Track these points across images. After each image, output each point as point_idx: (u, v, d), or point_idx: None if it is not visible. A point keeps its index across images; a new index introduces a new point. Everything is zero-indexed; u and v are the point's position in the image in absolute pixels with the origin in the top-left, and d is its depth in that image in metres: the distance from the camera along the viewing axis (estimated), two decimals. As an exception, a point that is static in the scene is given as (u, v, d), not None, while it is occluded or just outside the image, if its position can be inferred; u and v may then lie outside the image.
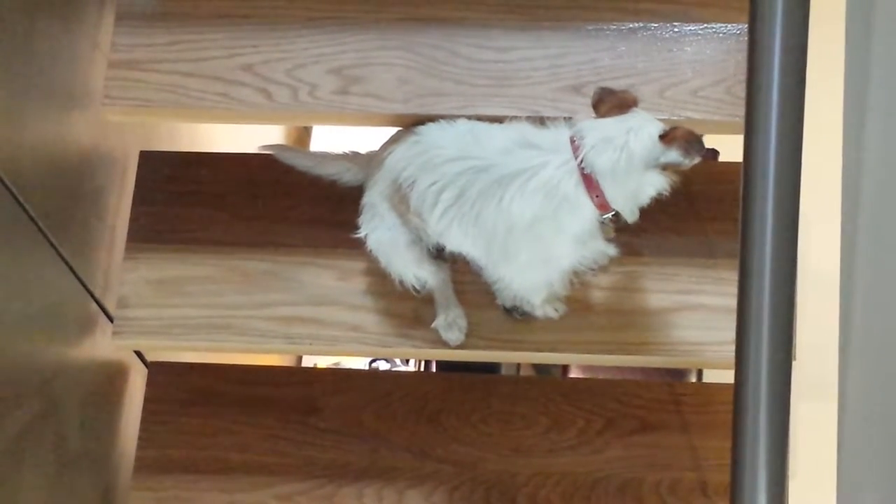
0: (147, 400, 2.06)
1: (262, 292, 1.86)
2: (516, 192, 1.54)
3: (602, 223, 1.60)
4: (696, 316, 1.80)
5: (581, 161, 1.51)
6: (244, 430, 2.02)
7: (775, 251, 1.22)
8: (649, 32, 1.77)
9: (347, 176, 1.80)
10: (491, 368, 2.48)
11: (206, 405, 2.04)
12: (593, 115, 1.56)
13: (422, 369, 3.01)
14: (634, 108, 1.53)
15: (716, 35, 1.76)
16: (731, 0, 1.76)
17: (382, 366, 3.18)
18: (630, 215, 1.57)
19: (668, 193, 1.54)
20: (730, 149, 1.50)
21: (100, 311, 1.90)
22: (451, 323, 1.78)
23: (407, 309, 1.83)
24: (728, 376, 1.32)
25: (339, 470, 1.99)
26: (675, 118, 1.71)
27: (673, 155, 1.49)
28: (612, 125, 1.51)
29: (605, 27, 1.77)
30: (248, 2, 1.80)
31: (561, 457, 1.98)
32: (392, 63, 1.77)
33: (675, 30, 1.77)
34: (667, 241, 1.84)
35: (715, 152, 2.40)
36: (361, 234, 1.74)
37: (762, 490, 1.25)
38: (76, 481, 1.88)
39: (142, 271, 1.88)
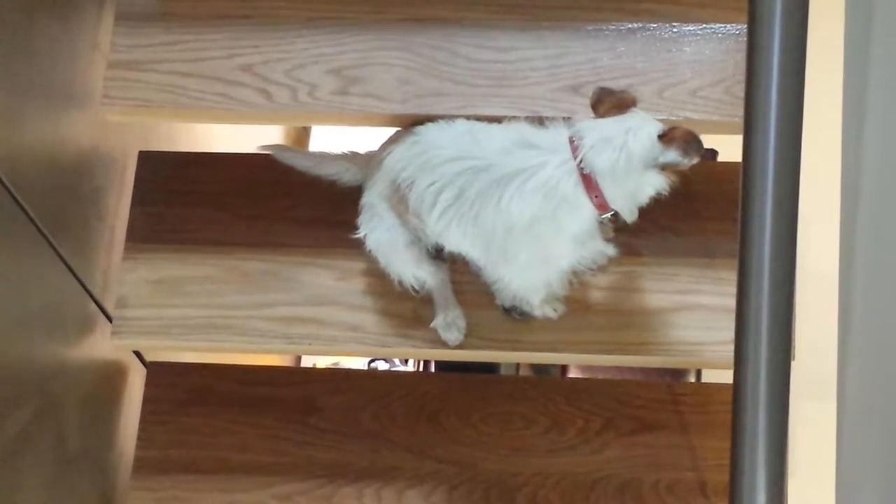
0: (146, 400, 2.06)
1: (262, 292, 1.86)
2: (515, 192, 1.54)
3: (601, 223, 1.60)
4: (695, 316, 1.80)
5: (580, 161, 1.51)
6: (243, 430, 2.02)
7: (774, 251, 1.22)
8: (648, 33, 1.77)
9: (346, 176, 1.80)
10: (490, 368, 2.48)
11: (206, 405, 2.04)
12: (592, 115, 1.56)
13: (421, 369, 3.01)
14: (633, 108, 1.53)
15: (715, 35, 1.76)
16: (730, 0, 1.76)
17: (381, 366, 3.18)
18: (629, 215, 1.57)
19: (667, 193, 1.54)
20: (729, 149, 1.50)
21: (99, 311, 1.90)
22: (450, 323, 1.78)
23: (406, 309, 1.83)
24: (727, 376, 1.32)
25: (338, 470, 1.99)
26: (674, 118, 1.71)
27: (672, 155, 1.49)
28: (611, 125, 1.51)
29: (605, 27, 1.77)
30: (248, 2, 1.80)
31: (560, 457, 1.98)
32: (391, 63, 1.77)
33: (674, 30, 1.77)
34: (666, 241, 1.84)
35: (714, 152, 2.40)
36: (360, 234, 1.74)
37: (761, 490, 1.25)
38: (75, 481, 1.88)
39: (141, 271, 1.88)
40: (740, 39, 1.75)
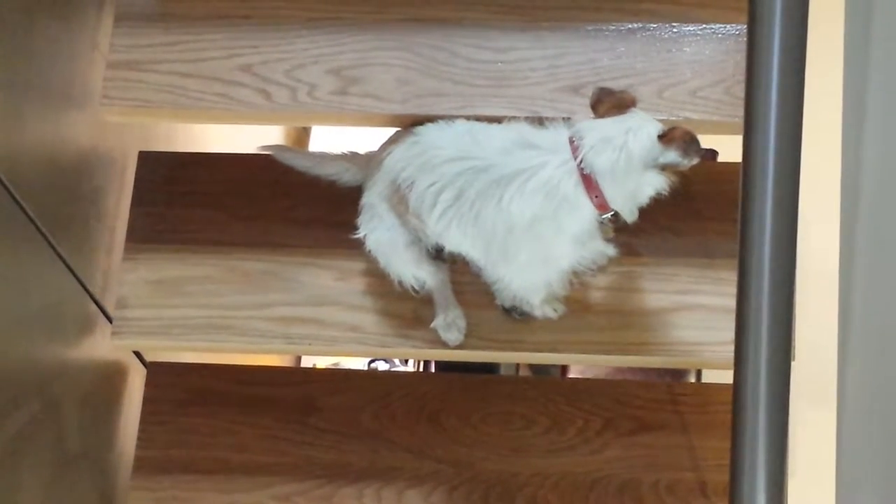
0: (146, 400, 2.06)
1: (262, 292, 1.86)
2: (515, 193, 1.54)
3: (601, 223, 1.60)
4: (695, 316, 1.80)
5: (580, 161, 1.51)
6: (243, 431, 2.02)
7: (774, 251, 1.22)
8: (648, 33, 1.77)
9: (346, 176, 1.80)
10: (490, 369, 2.48)
11: (206, 405, 2.04)
12: (592, 115, 1.56)
13: (421, 369, 3.01)
14: (633, 109, 1.53)
15: (715, 35, 1.76)
16: (730, 0, 1.76)
17: (381, 366, 3.18)
18: (629, 215, 1.57)
19: (666, 194, 1.54)
20: (729, 149, 1.50)
21: (99, 311, 1.90)
22: (450, 323, 1.78)
23: (406, 309, 1.83)
24: (727, 376, 1.32)
25: (338, 470, 1.99)
26: (673, 119, 1.71)
27: (672, 155, 1.49)
28: (611, 125, 1.51)
29: (604, 28, 1.77)
30: (247, 2, 1.80)
31: (560, 457, 1.98)
32: (391, 63, 1.77)
33: (674, 30, 1.77)
34: (666, 241, 1.84)
35: (714, 153, 2.40)
36: (360, 234, 1.74)
37: (761, 490, 1.25)
38: (75, 481, 1.87)
39: (141, 272, 1.88)
40: (740, 39, 1.75)
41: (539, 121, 1.61)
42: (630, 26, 1.77)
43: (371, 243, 1.74)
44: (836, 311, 1.83)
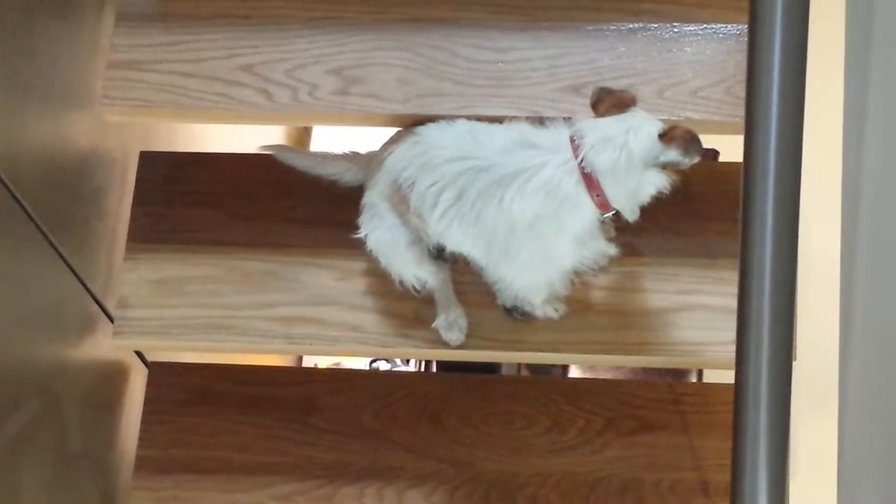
0: (147, 400, 2.06)
1: (263, 292, 1.85)
2: (517, 192, 1.54)
3: (602, 222, 1.60)
4: (696, 316, 1.80)
5: (581, 160, 1.51)
6: (244, 431, 2.02)
7: (775, 251, 1.22)
8: (649, 33, 1.77)
9: (347, 176, 1.80)
10: (491, 368, 2.48)
11: (207, 405, 2.04)
12: (592, 115, 1.56)
13: (422, 369, 3.01)
14: (633, 108, 1.53)
15: (716, 35, 1.76)
16: (730, 0, 1.76)
17: (383, 366, 3.18)
18: (630, 214, 1.57)
19: (667, 192, 1.54)
20: (730, 149, 1.50)
21: (100, 311, 1.90)
22: (451, 323, 1.78)
23: (407, 309, 1.83)
24: (728, 376, 1.32)
25: (339, 470, 1.99)
26: (674, 118, 1.71)
27: (672, 154, 1.49)
28: (612, 124, 1.51)
29: (605, 27, 1.77)
30: (248, 2, 1.80)
31: (561, 457, 1.98)
32: (391, 63, 1.77)
33: (675, 30, 1.77)
34: (667, 241, 1.84)
35: (715, 152, 2.40)
36: (361, 234, 1.74)
37: (763, 490, 1.25)
38: (76, 481, 1.88)
39: (142, 271, 1.88)
40: (741, 39, 1.75)
41: (540, 121, 1.61)
42: (631, 26, 1.77)
43: (372, 243, 1.74)
44: (838, 312, 1.83)
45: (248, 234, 1.89)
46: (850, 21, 1.86)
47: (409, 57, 1.77)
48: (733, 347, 1.27)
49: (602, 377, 2.56)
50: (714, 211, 1.85)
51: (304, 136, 3.45)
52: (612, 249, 1.70)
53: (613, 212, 1.56)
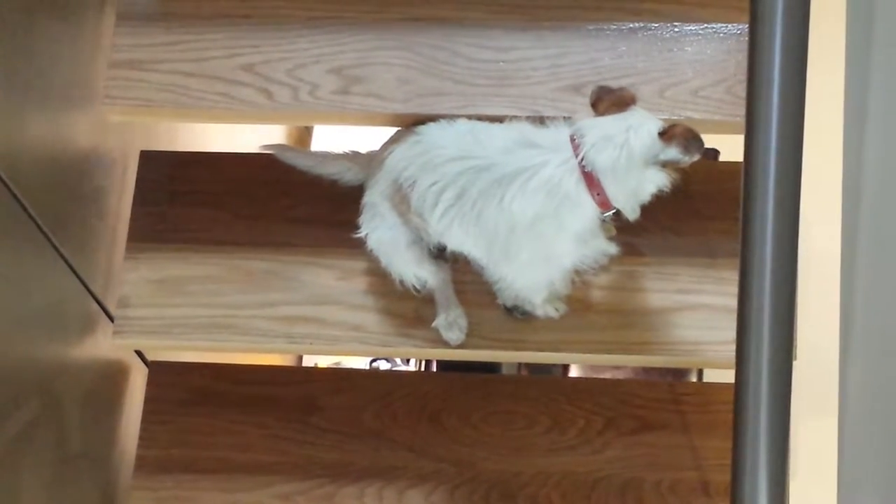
0: (148, 399, 2.06)
1: (263, 292, 1.86)
2: (517, 191, 1.54)
3: (603, 221, 1.60)
4: (696, 315, 1.80)
5: (582, 159, 1.51)
6: (245, 430, 2.02)
7: (776, 251, 1.22)
8: (650, 32, 1.77)
9: (348, 175, 1.80)
10: (492, 368, 2.48)
11: (207, 405, 2.04)
12: (592, 114, 1.56)
13: (422, 369, 3.01)
14: (633, 106, 1.53)
15: (716, 35, 1.76)
16: (731, 0, 1.76)
17: (383, 365, 3.18)
18: (631, 213, 1.57)
19: (668, 191, 1.54)
20: (730, 148, 1.50)
21: (100, 310, 1.90)
22: (451, 322, 1.78)
23: (408, 308, 1.83)
24: (729, 376, 1.32)
25: (339, 469, 1.99)
26: (675, 118, 1.71)
27: (673, 152, 1.49)
28: (612, 123, 1.51)
29: (606, 27, 1.77)
30: (249, 2, 1.80)
31: (561, 456, 1.98)
32: (392, 63, 1.77)
33: (676, 30, 1.77)
34: (667, 240, 1.84)
35: (716, 152, 2.40)
36: (362, 233, 1.74)
37: (763, 490, 1.25)
38: (77, 481, 1.88)
39: (142, 271, 1.88)
40: (742, 39, 1.75)
41: (540, 120, 1.61)
42: (631, 26, 1.77)
43: (373, 242, 1.74)
44: (838, 312, 1.83)
45: (248, 234, 1.89)
46: (850, 20, 1.86)
47: (410, 56, 1.77)
48: (733, 347, 1.27)
49: (603, 377, 2.56)
50: (714, 210, 1.85)
51: (304, 135, 3.46)
52: (613, 248, 1.70)
53: (614, 210, 1.56)
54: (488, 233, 1.59)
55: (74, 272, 1.79)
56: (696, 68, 1.74)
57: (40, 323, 1.72)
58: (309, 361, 3.18)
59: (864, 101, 1.76)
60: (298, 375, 2.13)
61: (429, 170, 1.60)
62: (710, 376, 2.44)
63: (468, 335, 1.79)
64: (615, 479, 1.97)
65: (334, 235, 1.84)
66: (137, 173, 1.97)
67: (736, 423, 1.26)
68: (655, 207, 1.58)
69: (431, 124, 1.66)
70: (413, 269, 1.76)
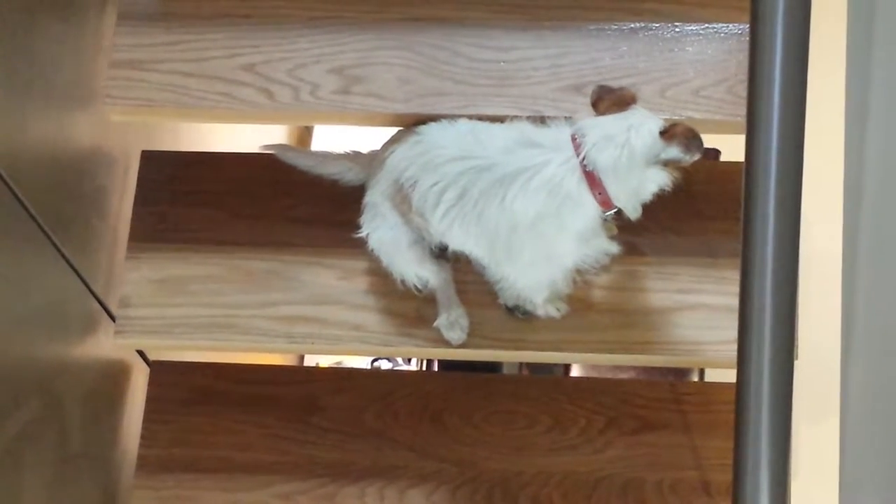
0: (149, 399, 2.06)
1: (264, 292, 1.86)
2: (519, 191, 1.54)
3: (605, 221, 1.60)
4: (697, 315, 1.80)
5: (583, 158, 1.51)
6: (246, 430, 2.02)
7: (777, 251, 1.22)
8: (651, 32, 1.77)
9: (349, 175, 1.80)
10: (493, 368, 2.48)
11: (208, 404, 2.04)
12: (593, 113, 1.56)
13: (424, 368, 3.01)
14: (634, 105, 1.53)
15: (717, 35, 1.76)
16: (732, 0, 1.76)
17: (384, 365, 3.18)
18: (633, 212, 1.57)
19: (669, 190, 1.54)
20: (732, 148, 1.50)
21: (102, 310, 1.90)
22: (453, 322, 1.78)
23: (409, 308, 1.83)
24: (730, 375, 1.32)
25: (340, 469, 1.99)
26: (676, 118, 1.71)
27: (674, 151, 1.49)
28: (613, 122, 1.51)
29: (607, 27, 1.77)
30: (249, 2, 1.80)
31: (563, 456, 1.98)
32: (392, 63, 1.77)
33: (677, 30, 1.76)
34: (668, 240, 1.84)
35: (717, 152, 2.40)
36: (363, 233, 1.74)
37: (764, 490, 1.25)
38: (78, 480, 1.88)
39: (144, 271, 1.88)
40: (743, 39, 1.75)
41: (541, 120, 1.61)
42: (632, 25, 1.77)
43: (374, 242, 1.74)
44: (839, 312, 1.83)
45: (249, 234, 1.89)
46: (851, 20, 1.86)
47: (411, 56, 1.77)
48: (735, 346, 1.27)
49: (604, 376, 2.56)
50: (716, 210, 1.85)
51: (305, 135, 3.46)
52: (615, 247, 1.70)
53: (615, 210, 1.56)
54: (490, 232, 1.59)
55: (76, 272, 1.79)
56: (697, 68, 1.74)
57: (42, 322, 1.72)
58: (310, 361, 3.18)
59: (865, 101, 1.76)
60: (300, 375, 2.12)
61: (430, 170, 1.60)
62: (712, 376, 2.44)
63: (469, 335, 1.79)
64: (616, 478, 1.97)
65: (335, 235, 1.84)
66: (139, 173, 1.97)
67: (737, 422, 1.26)
68: (656, 207, 1.58)
69: (432, 124, 1.66)
70: (414, 269, 1.76)
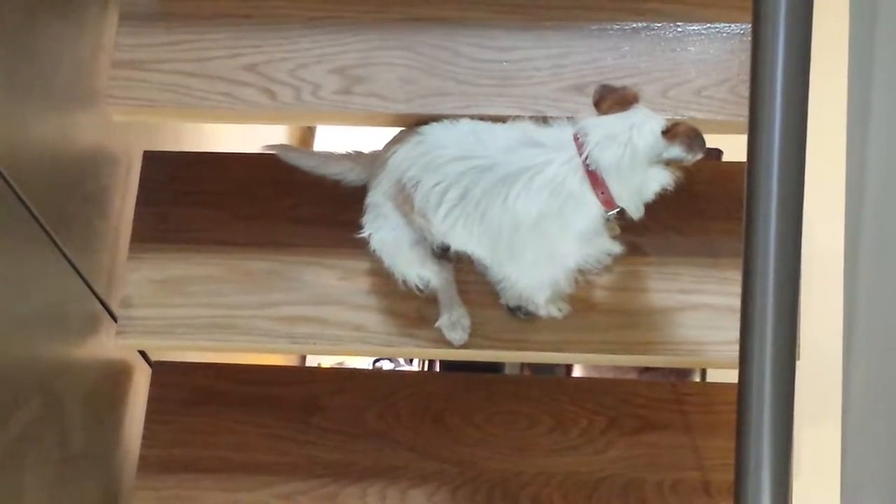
0: (151, 399, 2.06)
1: (266, 292, 1.86)
2: (521, 190, 1.54)
3: (607, 220, 1.60)
4: (699, 315, 1.80)
5: (585, 158, 1.51)
6: (247, 430, 2.02)
7: (779, 250, 1.22)
8: (653, 32, 1.77)
9: (351, 176, 1.80)
10: (494, 368, 2.48)
11: (210, 405, 2.04)
12: (595, 113, 1.56)
13: (425, 369, 3.01)
14: (636, 105, 1.53)
15: (719, 35, 1.76)
16: (734, 0, 1.76)
17: (386, 365, 3.18)
18: (635, 211, 1.57)
19: (671, 189, 1.54)
20: (733, 148, 1.50)
21: (103, 310, 1.90)
22: (454, 322, 1.78)
23: (410, 308, 1.83)
24: (732, 376, 1.32)
25: (341, 469, 1.99)
26: (678, 118, 1.71)
27: (676, 150, 1.49)
28: (615, 122, 1.51)
29: (608, 27, 1.77)
30: (250, 2, 1.80)
31: (564, 456, 1.98)
32: (394, 63, 1.77)
33: (679, 29, 1.76)
34: (670, 240, 1.84)
35: (719, 152, 2.40)
36: (365, 233, 1.74)
37: (766, 490, 1.24)
38: (79, 480, 1.88)
39: (145, 271, 1.88)
40: (745, 39, 1.74)
41: (543, 119, 1.61)
42: (634, 25, 1.77)
43: (375, 242, 1.74)
44: (841, 312, 1.83)
45: (251, 234, 1.89)
46: (853, 20, 1.86)
47: (412, 56, 1.77)
48: (737, 347, 1.27)
49: (605, 377, 2.56)
50: (717, 210, 1.85)
51: (307, 135, 3.46)
52: (617, 247, 1.70)
53: (618, 209, 1.56)
54: (492, 232, 1.59)
55: (77, 272, 1.79)
56: (699, 68, 1.74)
57: (43, 322, 1.72)
58: (312, 361, 3.18)
59: (867, 101, 1.76)
60: (301, 375, 2.12)
61: (432, 170, 1.60)
62: (714, 376, 2.44)
63: (471, 335, 1.79)
64: (617, 478, 1.96)
65: (337, 235, 1.84)
66: (141, 173, 1.97)
67: (739, 422, 1.26)
68: (658, 207, 1.58)
69: (434, 124, 1.66)
70: (416, 269, 1.76)
